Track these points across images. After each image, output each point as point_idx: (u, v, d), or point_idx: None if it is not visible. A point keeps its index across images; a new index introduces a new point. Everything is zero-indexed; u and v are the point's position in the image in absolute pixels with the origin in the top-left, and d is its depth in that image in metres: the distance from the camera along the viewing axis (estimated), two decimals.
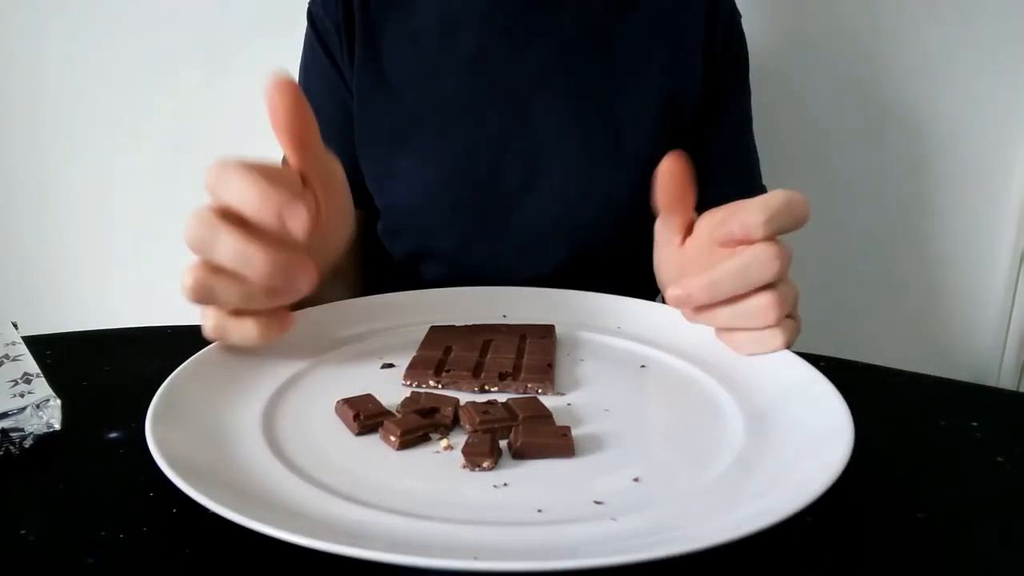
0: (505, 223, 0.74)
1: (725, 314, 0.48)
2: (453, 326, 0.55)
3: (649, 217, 0.77)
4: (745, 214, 0.45)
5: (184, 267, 0.44)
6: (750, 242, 0.46)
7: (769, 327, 0.47)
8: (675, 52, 0.76)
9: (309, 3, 0.79)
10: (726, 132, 0.79)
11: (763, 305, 0.46)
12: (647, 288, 0.84)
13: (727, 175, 0.79)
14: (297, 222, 0.40)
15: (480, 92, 0.74)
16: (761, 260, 0.45)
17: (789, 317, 0.49)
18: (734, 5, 0.80)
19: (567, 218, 0.74)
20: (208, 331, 0.46)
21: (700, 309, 0.49)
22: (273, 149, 0.83)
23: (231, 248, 0.41)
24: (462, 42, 0.74)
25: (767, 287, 0.46)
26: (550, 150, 0.73)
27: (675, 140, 0.76)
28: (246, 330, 0.46)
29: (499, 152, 0.73)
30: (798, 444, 0.39)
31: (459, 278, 0.74)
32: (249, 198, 0.41)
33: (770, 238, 0.45)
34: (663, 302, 0.86)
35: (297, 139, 0.46)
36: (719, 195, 0.78)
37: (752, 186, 0.81)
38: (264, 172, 0.42)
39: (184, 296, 0.44)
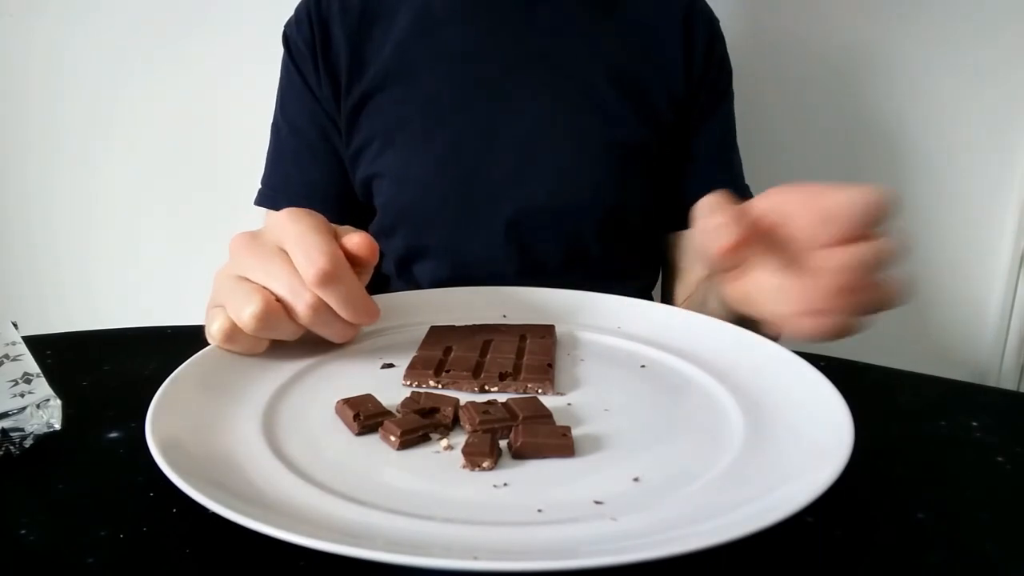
0: (495, 215, 0.75)
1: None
2: (453, 326, 0.55)
3: (636, 206, 0.78)
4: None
5: (250, 291, 0.45)
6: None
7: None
8: (653, 56, 0.78)
9: (284, 26, 0.80)
10: (708, 138, 0.81)
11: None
12: (640, 277, 0.85)
13: (709, 180, 0.80)
14: (371, 322, 0.48)
15: (464, 87, 0.75)
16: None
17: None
18: (711, 14, 0.82)
19: (557, 208, 0.75)
20: (216, 337, 0.47)
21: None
22: (260, 148, 0.83)
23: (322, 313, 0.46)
24: (444, 40, 0.76)
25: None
26: (537, 141, 0.75)
27: (660, 130, 0.77)
28: (256, 343, 0.48)
29: (486, 144, 0.75)
30: (798, 444, 0.39)
31: (452, 274, 0.75)
32: (352, 307, 0.46)
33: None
34: (662, 300, 0.86)
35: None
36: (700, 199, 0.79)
37: (735, 190, 0.81)
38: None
39: (249, 323, 0.45)
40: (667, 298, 0.85)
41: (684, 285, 0.82)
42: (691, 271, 0.81)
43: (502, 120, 0.75)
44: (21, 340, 0.50)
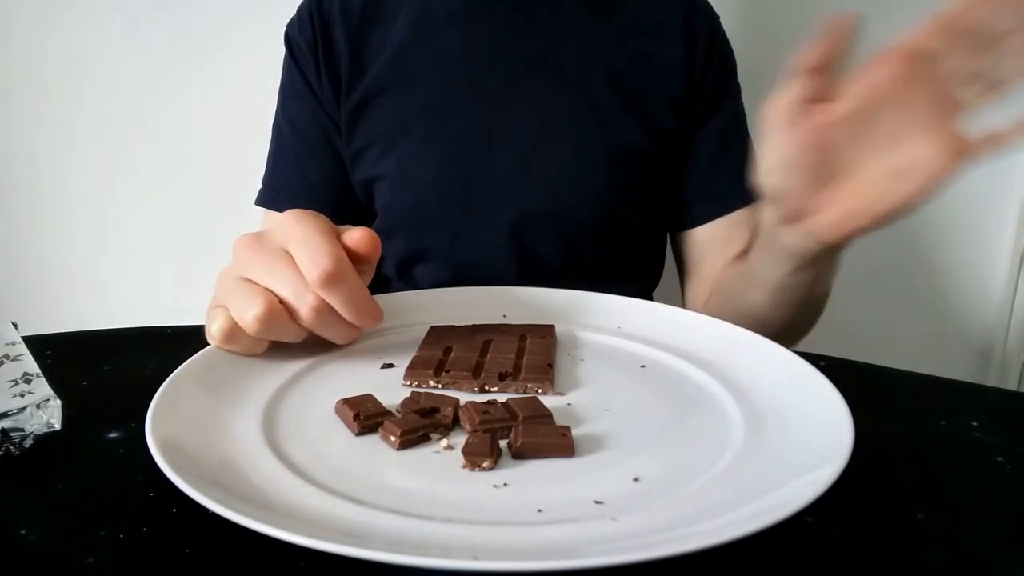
0: (495, 218, 0.75)
1: None
2: (453, 326, 0.55)
3: (635, 209, 0.78)
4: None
5: (253, 293, 0.45)
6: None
7: None
8: (654, 59, 0.77)
9: (286, 26, 0.80)
10: (711, 136, 0.80)
11: None
12: (640, 279, 0.84)
13: (711, 178, 0.80)
14: (375, 324, 0.48)
15: (464, 90, 0.75)
16: None
17: None
18: (711, 11, 0.81)
19: (556, 212, 0.75)
20: (216, 337, 0.47)
21: None
22: (260, 149, 0.83)
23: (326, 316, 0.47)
24: (443, 43, 0.76)
25: None
26: (536, 145, 0.75)
27: (660, 135, 0.77)
28: (256, 344, 0.48)
29: (485, 148, 0.75)
30: (798, 444, 0.39)
31: (453, 277, 0.75)
32: (355, 309, 0.47)
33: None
34: (682, 301, 0.85)
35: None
36: (715, 192, 0.79)
37: (737, 189, 0.81)
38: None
39: (252, 324, 0.45)
40: (686, 298, 0.85)
41: (702, 280, 0.80)
42: (707, 264, 0.80)
43: (501, 124, 0.75)
44: (21, 340, 0.50)
